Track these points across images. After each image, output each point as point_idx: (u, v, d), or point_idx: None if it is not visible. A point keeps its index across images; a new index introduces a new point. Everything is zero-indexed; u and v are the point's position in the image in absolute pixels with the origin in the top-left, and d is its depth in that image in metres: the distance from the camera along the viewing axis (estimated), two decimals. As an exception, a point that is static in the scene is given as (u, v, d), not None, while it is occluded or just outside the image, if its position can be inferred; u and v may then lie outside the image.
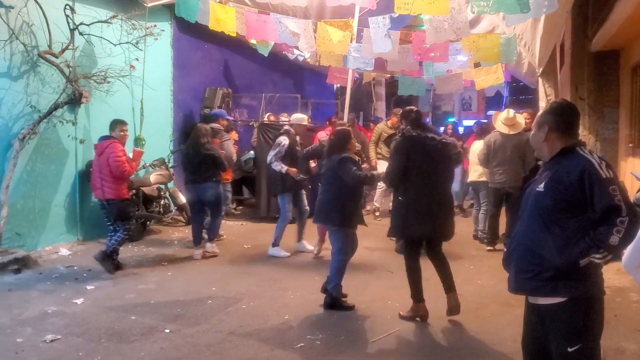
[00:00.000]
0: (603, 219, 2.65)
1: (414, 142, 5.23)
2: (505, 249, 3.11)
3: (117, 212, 6.92)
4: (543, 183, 2.83)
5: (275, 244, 7.93)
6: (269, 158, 7.93)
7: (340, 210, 5.70)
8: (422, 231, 5.29)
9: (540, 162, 3.16)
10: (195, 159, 7.64)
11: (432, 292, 5.53)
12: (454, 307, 5.32)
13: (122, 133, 7.10)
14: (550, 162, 2.90)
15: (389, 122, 10.90)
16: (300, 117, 8.40)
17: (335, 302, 5.66)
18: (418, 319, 5.32)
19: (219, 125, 8.78)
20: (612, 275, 6.29)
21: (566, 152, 2.84)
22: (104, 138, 7.03)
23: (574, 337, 2.72)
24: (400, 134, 5.44)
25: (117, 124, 7.12)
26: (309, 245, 8.11)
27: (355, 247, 6.01)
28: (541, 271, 2.78)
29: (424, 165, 5.18)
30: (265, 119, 11.54)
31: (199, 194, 7.71)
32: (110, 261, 6.86)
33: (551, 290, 2.76)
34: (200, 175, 7.61)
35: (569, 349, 2.72)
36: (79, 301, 5.77)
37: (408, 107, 5.72)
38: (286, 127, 8.32)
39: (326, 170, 5.95)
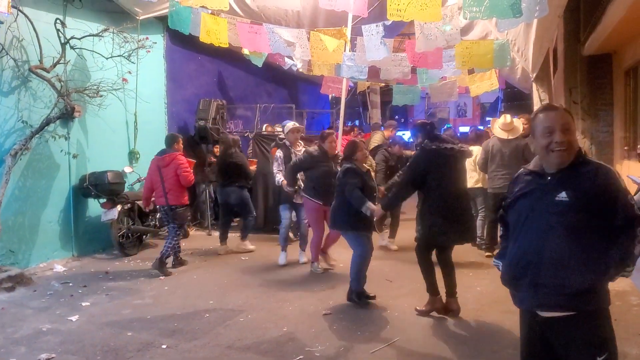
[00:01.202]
0: (622, 229, 2.56)
1: (435, 155, 5.43)
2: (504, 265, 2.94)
3: (178, 216, 7.76)
4: (564, 192, 2.63)
5: (283, 249, 8.02)
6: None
7: (347, 215, 5.99)
8: (450, 239, 5.53)
9: (524, 170, 2.91)
10: (223, 166, 8.81)
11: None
12: (454, 310, 5.58)
13: (180, 146, 8.04)
14: (564, 171, 2.69)
15: (385, 133, 10.91)
16: (291, 125, 8.21)
17: (351, 294, 6.04)
18: (435, 312, 5.55)
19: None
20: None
21: (580, 160, 2.69)
22: (163, 152, 7.81)
23: (603, 346, 2.62)
24: (418, 148, 5.68)
25: (176, 138, 8.04)
26: (304, 257, 7.99)
27: (370, 250, 6.13)
28: (570, 285, 2.59)
29: (447, 174, 5.40)
30: (263, 129, 11.50)
31: (225, 197, 8.81)
32: (164, 266, 7.51)
33: (582, 303, 2.61)
34: (227, 180, 8.74)
35: (598, 358, 2.60)
36: (74, 318, 5.69)
37: (421, 121, 5.94)
38: (278, 140, 8.32)
39: (337, 178, 6.24)
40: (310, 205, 7.33)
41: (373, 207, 5.76)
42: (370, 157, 8.53)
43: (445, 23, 7.25)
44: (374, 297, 6.08)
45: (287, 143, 8.05)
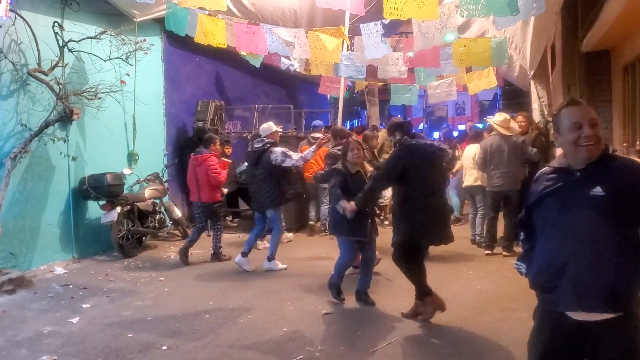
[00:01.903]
0: None
1: (414, 150, 5.32)
2: (522, 264, 2.89)
3: (211, 212, 8.33)
4: (599, 187, 2.53)
5: (270, 258, 7.72)
6: (291, 163, 7.61)
7: (336, 219, 5.90)
8: (432, 239, 5.43)
9: (547, 169, 2.80)
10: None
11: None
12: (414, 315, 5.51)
13: (217, 147, 8.64)
14: (593, 166, 2.61)
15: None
16: (267, 127, 7.90)
17: (330, 287, 6.15)
18: (438, 310, 5.40)
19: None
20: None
21: (608, 155, 2.63)
22: (198, 152, 8.33)
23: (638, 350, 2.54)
24: (397, 144, 5.53)
25: (212, 139, 8.54)
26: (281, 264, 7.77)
27: (353, 258, 6.10)
28: (610, 286, 2.49)
29: (425, 172, 5.26)
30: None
31: None
32: (221, 256, 8.30)
33: (626, 303, 2.52)
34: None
35: None
36: (75, 320, 5.69)
37: (398, 120, 6.00)
38: (267, 143, 7.74)
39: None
40: None
41: (345, 205, 5.60)
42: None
43: (444, 31, 7.24)
44: (373, 303, 5.97)
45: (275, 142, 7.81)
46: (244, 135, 11.86)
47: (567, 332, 2.62)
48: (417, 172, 5.23)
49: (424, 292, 5.42)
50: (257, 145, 7.75)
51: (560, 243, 2.61)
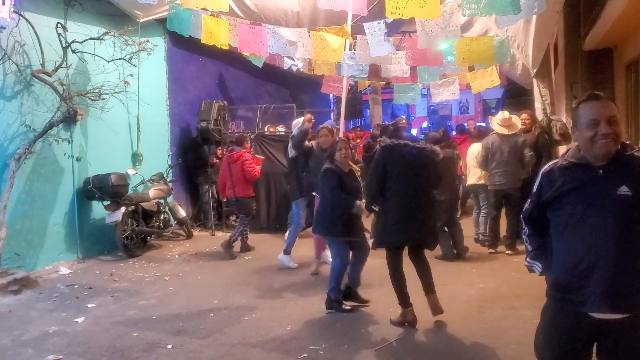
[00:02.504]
0: None
1: (390, 151, 5.39)
2: (535, 264, 2.81)
3: (244, 206, 8.87)
4: (625, 186, 2.48)
5: (286, 251, 7.75)
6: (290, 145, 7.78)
7: (327, 219, 5.85)
8: (402, 238, 5.34)
9: (562, 163, 2.69)
10: None
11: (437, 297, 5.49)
12: (434, 308, 5.38)
13: (248, 145, 9.34)
14: (613, 163, 2.55)
15: None
16: (295, 123, 8.04)
17: (331, 303, 5.82)
18: (407, 324, 5.30)
19: None
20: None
21: (626, 152, 2.58)
22: (232, 150, 9.09)
23: None
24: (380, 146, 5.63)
25: (244, 138, 9.27)
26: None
27: (347, 259, 5.94)
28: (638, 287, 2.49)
29: (402, 172, 5.29)
30: (265, 130, 11.53)
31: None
32: (231, 249, 8.56)
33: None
34: None
35: None
36: (80, 320, 5.73)
37: (385, 123, 5.92)
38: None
39: (319, 180, 6.13)
40: None
41: (360, 204, 5.67)
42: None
43: (447, 29, 7.24)
44: (367, 302, 5.97)
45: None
46: (247, 135, 11.89)
47: (586, 331, 2.58)
48: (395, 172, 5.29)
49: (401, 302, 5.36)
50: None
51: (588, 243, 2.53)
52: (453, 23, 7.17)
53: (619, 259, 2.47)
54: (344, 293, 5.92)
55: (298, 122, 7.90)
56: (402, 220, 5.26)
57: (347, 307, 5.84)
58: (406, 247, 5.50)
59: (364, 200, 5.73)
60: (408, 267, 5.46)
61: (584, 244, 2.54)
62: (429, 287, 5.44)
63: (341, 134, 9.33)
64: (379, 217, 5.48)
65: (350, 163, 6.08)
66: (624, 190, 2.48)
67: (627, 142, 2.69)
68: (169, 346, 4.96)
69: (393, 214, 5.29)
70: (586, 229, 2.54)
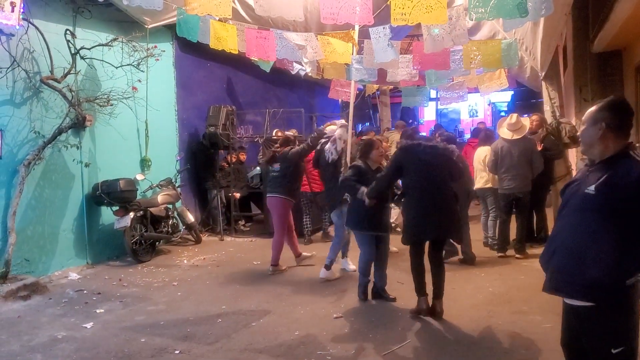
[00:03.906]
0: None
1: (404, 151, 5.77)
2: (544, 248, 3.02)
3: (315, 201, 9.81)
4: (594, 185, 2.70)
5: (328, 266, 7.28)
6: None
7: (356, 214, 6.23)
8: (420, 232, 5.65)
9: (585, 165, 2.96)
10: None
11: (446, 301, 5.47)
12: (437, 312, 5.62)
13: None
14: (602, 164, 2.77)
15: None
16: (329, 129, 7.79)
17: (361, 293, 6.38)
18: (422, 314, 5.63)
19: None
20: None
21: (621, 156, 2.72)
22: None
23: (618, 339, 2.66)
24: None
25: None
26: (352, 265, 7.55)
27: (373, 252, 6.28)
28: (581, 275, 2.69)
29: (417, 170, 5.61)
30: (273, 134, 11.53)
31: None
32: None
33: (589, 296, 2.69)
34: None
35: (613, 351, 2.65)
36: (89, 325, 5.75)
37: (405, 129, 6.29)
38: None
39: None
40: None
41: (363, 190, 5.94)
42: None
43: (454, 33, 7.22)
44: (394, 299, 6.28)
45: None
46: (256, 140, 11.91)
47: (567, 315, 2.90)
48: (410, 171, 5.62)
49: (417, 290, 5.71)
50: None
51: (557, 231, 2.92)
52: (459, 27, 7.15)
53: (570, 249, 2.78)
54: (372, 294, 6.39)
55: (333, 131, 7.65)
56: (419, 216, 5.60)
57: (364, 297, 6.34)
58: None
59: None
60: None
61: (555, 231, 2.96)
62: (438, 292, 5.68)
63: (350, 140, 9.33)
64: (404, 214, 5.93)
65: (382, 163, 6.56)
66: (590, 189, 2.72)
67: (631, 143, 2.79)
68: (177, 351, 4.96)
69: (412, 211, 5.68)
70: (560, 220, 2.91)
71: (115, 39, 8.50)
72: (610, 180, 2.66)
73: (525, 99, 20.26)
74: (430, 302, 5.69)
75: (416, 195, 5.62)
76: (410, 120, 24.02)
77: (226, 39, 8.05)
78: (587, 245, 2.68)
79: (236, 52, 8.36)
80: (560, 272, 2.79)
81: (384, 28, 7.62)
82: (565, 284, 2.77)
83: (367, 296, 6.37)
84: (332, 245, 7.44)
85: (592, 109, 2.88)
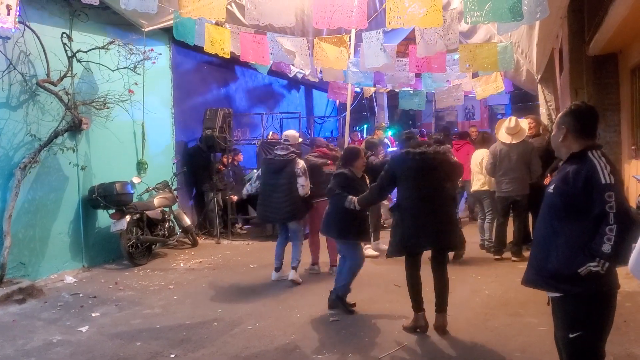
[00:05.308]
0: (597, 226, 2.78)
1: (395, 160, 5.57)
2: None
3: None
4: (553, 185, 3.01)
5: (295, 267, 7.32)
6: (301, 183, 7.22)
7: (341, 222, 6.00)
8: (421, 242, 5.31)
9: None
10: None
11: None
12: (439, 327, 5.27)
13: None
14: (564, 164, 3.05)
15: (377, 134, 11.12)
16: (293, 135, 7.65)
17: (335, 302, 6.10)
18: (418, 330, 5.29)
19: None
20: (621, 279, 6.18)
21: (577, 156, 2.97)
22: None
23: (575, 325, 2.91)
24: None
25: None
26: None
27: (362, 260, 6.14)
28: (545, 267, 3.00)
29: (407, 178, 5.35)
30: (270, 136, 11.54)
31: None
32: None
33: (552, 287, 3.00)
34: None
35: (570, 335, 2.92)
36: (84, 329, 5.73)
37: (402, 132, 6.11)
38: (292, 152, 7.35)
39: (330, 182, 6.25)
40: None
41: (351, 198, 5.77)
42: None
43: (447, 37, 7.25)
44: (353, 305, 6.08)
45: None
46: (253, 143, 11.92)
47: (552, 308, 3.14)
48: (402, 179, 5.37)
49: (414, 307, 5.37)
50: (281, 152, 7.36)
51: (536, 226, 3.21)
52: (453, 31, 7.17)
53: (537, 243, 3.14)
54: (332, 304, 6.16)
55: (295, 137, 7.61)
56: (414, 226, 5.25)
57: (351, 308, 6.02)
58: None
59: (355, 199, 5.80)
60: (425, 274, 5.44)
61: (535, 227, 3.26)
62: (441, 305, 5.32)
63: (346, 142, 9.35)
64: (395, 223, 5.48)
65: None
66: (550, 188, 3.06)
67: (594, 144, 3.04)
68: (172, 355, 4.95)
69: (407, 220, 5.30)
70: (539, 216, 3.18)
71: (111, 42, 8.48)
72: (565, 178, 2.92)
73: (522, 102, 20.33)
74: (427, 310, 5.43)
75: (410, 204, 5.30)
76: (410, 122, 24.04)
77: (220, 42, 8.07)
78: (549, 240, 2.99)
79: (228, 57, 8.35)
80: (532, 266, 3.14)
81: (377, 32, 7.64)
82: (536, 277, 3.10)
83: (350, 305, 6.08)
84: (293, 248, 7.44)
85: (559, 115, 3.20)
